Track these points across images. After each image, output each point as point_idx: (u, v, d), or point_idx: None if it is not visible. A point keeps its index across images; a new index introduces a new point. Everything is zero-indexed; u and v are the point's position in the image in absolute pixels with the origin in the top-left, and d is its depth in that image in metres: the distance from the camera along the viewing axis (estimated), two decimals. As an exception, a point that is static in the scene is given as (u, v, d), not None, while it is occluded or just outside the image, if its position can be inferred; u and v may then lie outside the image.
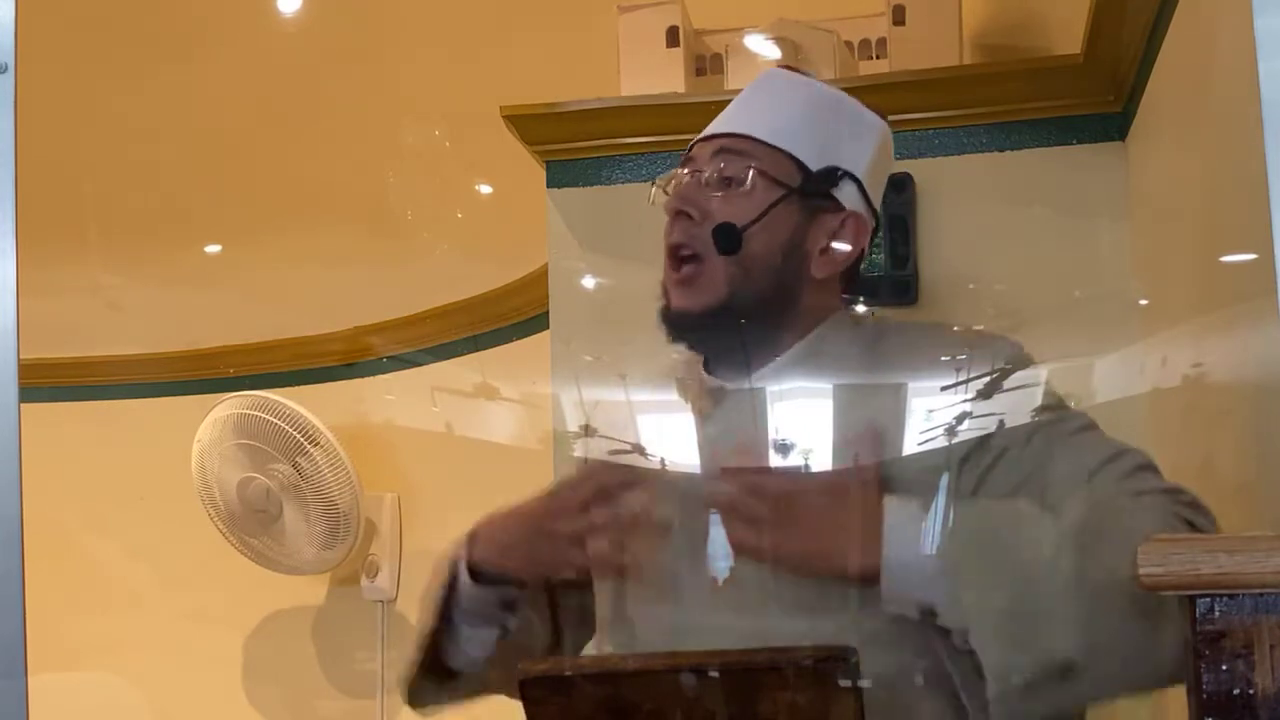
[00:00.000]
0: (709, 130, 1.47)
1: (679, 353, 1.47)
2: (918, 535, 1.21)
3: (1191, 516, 1.20)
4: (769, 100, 1.48)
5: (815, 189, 1.41)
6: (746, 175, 1.40)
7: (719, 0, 2.37)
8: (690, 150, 1.48)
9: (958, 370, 1.39)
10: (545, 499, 1.43)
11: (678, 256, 1.41)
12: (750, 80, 2.20)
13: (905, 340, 1.49)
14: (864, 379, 1.41)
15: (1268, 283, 0.89)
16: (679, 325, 1.42)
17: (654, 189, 1.48)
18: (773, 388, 1.41)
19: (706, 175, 1.42)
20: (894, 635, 1.23)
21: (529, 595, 1.45)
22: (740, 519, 1.28)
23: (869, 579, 1.21)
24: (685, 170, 1.45)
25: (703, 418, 1.45)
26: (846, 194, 1.43)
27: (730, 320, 1.39)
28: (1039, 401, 1.37)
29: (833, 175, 1.42)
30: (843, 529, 1.24)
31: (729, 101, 1.51)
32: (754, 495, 1.28)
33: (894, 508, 1.23)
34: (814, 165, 1.42)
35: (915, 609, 1.21)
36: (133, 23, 2.75)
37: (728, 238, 1.38)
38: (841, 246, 1.43)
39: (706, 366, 1.45)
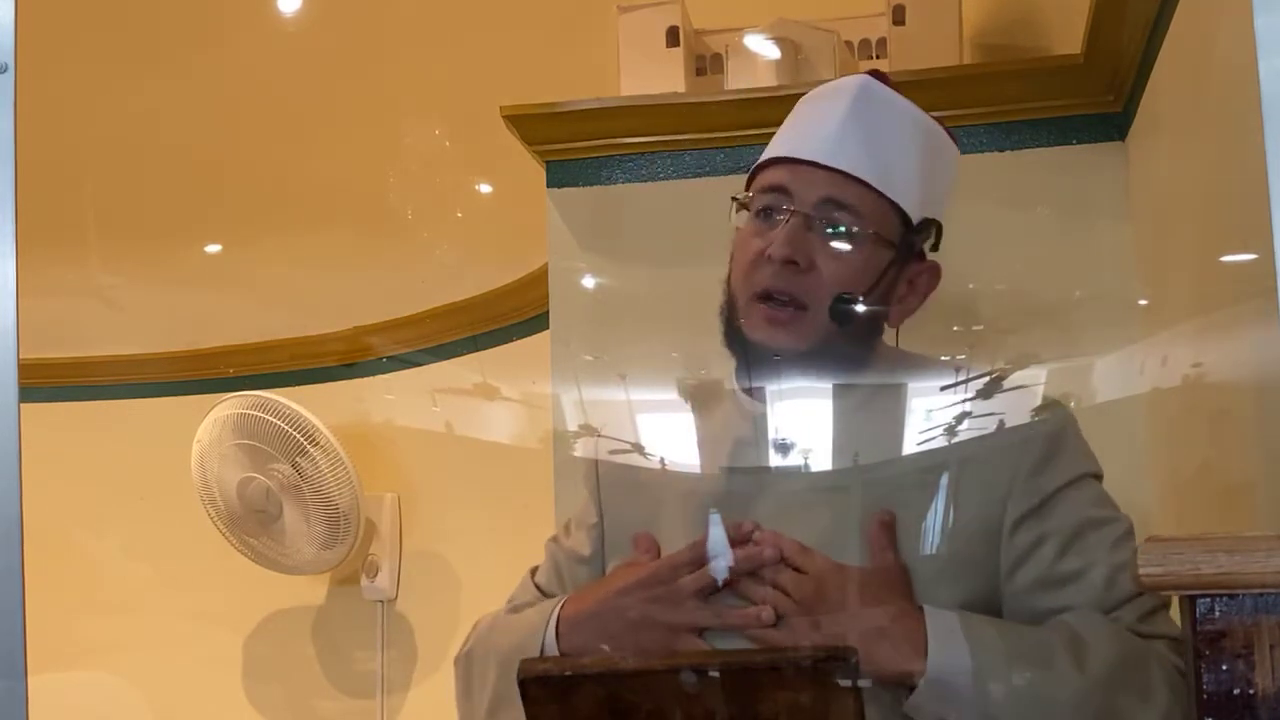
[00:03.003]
0: (808, 153, 1.38)
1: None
2: (960, 655, 1.20)
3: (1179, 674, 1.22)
4: (874, 128, 1.41)
5: (912, 245, 1.39)
6: (860, 236, 1.35)
7: (719, 0, 2.36)
8: (776, 162, 1.40)
9: (955, 369, 1.40)
10: (633, 585, 1.32)
11: (773, 299, 1.35)
12: (750, 81, 2.22)
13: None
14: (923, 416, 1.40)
15: (1268, 283, 0.89)
16: (759, 354, 1.37)
17: (734, 207, 1.42)
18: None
19: (815, 222, 1.35)
20: None
21: None
22: (778, 587, 1.27)
23: (899, 684, 1.21)
24: (774, 201, 1.38)
25: (735, 440, 1.43)
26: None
27: (808, 362, 1.36)
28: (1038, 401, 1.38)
29: (927, 228, 1.40)
30: (883, 632, 1.23)
31: (729, 101, 1.47)
32: (800, 570, 1.27)
33: (936, 623, 1.22)
34: (915, 217, 1.39)
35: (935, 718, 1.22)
36: (132, 23, 2.76)
37: (846, 315, 1.34)
38: (918, 298, 1.42)
39: (748, 391, 1.41)
